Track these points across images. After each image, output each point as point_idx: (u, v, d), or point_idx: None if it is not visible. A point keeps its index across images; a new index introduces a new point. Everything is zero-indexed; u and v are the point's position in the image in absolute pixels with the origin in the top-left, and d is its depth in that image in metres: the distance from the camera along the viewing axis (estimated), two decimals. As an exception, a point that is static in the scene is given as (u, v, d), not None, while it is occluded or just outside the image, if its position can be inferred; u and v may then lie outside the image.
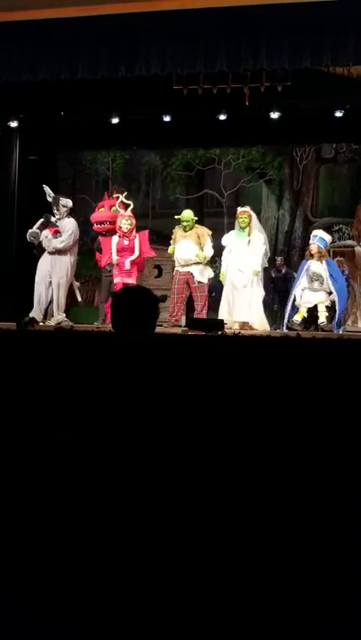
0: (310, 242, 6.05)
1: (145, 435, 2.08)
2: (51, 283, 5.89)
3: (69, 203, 6.12)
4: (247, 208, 6.16)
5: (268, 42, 5.51)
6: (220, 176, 8.39)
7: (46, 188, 6.08)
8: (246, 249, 5.88)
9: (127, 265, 5.94)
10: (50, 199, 6.05)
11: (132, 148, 8.52)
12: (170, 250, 6.05)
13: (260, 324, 5.84)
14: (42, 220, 5.93)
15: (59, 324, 5.53)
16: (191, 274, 5.98)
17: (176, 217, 6.20)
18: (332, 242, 7.72)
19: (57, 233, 5.85)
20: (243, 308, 5.80)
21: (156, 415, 2.13)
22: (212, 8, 5.47)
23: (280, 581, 1.58)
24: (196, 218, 6.21)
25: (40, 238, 5.89)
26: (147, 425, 2.10)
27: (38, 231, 5.88)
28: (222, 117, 7.16)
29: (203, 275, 6.02)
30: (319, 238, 5.99)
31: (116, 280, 6.00)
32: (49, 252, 5.87)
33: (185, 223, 6.03)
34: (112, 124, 7.40)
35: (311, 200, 8.26)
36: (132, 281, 5.86)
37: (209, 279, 6.14)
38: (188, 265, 5.99)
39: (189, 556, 1.63)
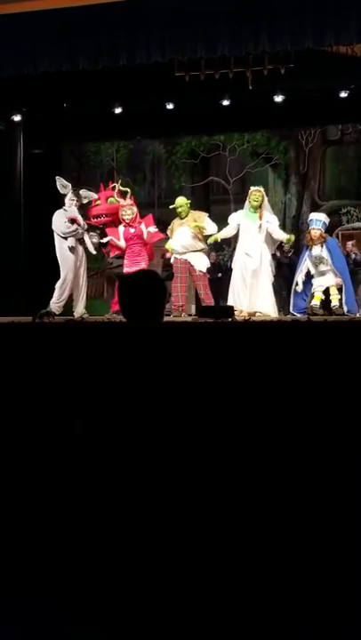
0: (311, 227, 5.94)
1: (156, 425, 2.08)
2: (75, 276, 5.92)
3: (92, 195, 6.12)
4: (260, 188, 6.00)
5: (269, 23, 5.43)
6: (226, 162, 8.32)
7: (60, 180, 6.05)
8: (257, 234, 5.73)
9: (146, 235, 5.88)
10: (64, 191, 6.01)
11: (135, 138, 8.47)
12: (167, 246, 5.98)
13: (271, 310, 5.78)
14: (73, 215, 5.87)
15: (82, 316, 5.62)
16: (190, 263, 5.89)
17: (171, 207, 6.13)
18: (340, 224, 7.67)
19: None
20: (256, 296, 5.68)
21: (168, 405, 2.13)
22: (210, -8, 5.41)
23: (280, 578, 1.58)
24: (189, 202, 6.10)
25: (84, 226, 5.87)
26: (158, 415, 2.11)
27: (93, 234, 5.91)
28: (226, 103, 7.09)
29: (202, 263, 5.91)
30: (322, 223, 5.92)
31: (125, 270, 5.98)
32: (84, 249, 5.90)
33: (180, 209, 5.93)
34: (115, 114, 7.36)
35: (318, 183, 8.18)
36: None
37: (208, 269, 6.04)
38: (185, 252, 5.91)
39: (193, 554, 1.64)
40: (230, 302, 5.73)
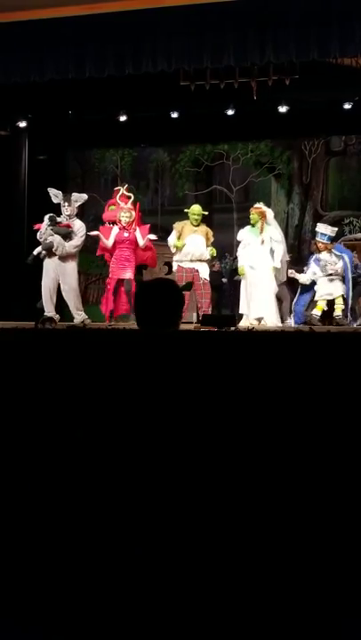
0: (316, 238, 6.12)
1: (160, 432, 2.08)
2: (59, 286, 5.87)
3: (83, 197, 6.09)
4: (260, 204, 6.10)
5: (274, 34, 5.48)
6: (229, 171, 8.36)
7: (52, 190, 6.04)
8: (259, 247, 5.87)
9: (142, 242, 5.83)
10: (57, 200, 6.02)
11: (140, 146, 8.51)
12: (179, 243, 5.92)
13: (275, 319, 5.86)
14: (47, 223, 5.82)
15: (82, 322, 5.59)
16: (197, 271, 5.94)
17: (185, 210, 6.16)
18: (343, 235, 7.69)
19: (69, 227, 5.83)
20: (258, 307, 5.79)
21: (172, 412, 2.13)
22: (217, 2, 5.45)
23: (280, 579, 1.58)
24: (205, 213, 6.19)
25: (52, 245, 5.78)
26: (161, 422, 2.10)
27: (53, 239, 5.81)
28: (230, 112, 7.14)
29: (206, 272, 5.98)
30: (320, 234, 6.00)
31: (110, 276, 5.90)
32: (59, 257, 5.80)
33: (196, 216, 5.99)
34: (120, 121, 7.41)
35: (321, 193, 8.21)
36: (128, 276, 5.79)
37: (216, 271, 6.20)
38: (194, 261, 5.95)
39: (191, 555, 1.63)
40: (242, 311, 5.90)
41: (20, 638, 1.48)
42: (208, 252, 5.96)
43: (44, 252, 5.83)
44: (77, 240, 5.83)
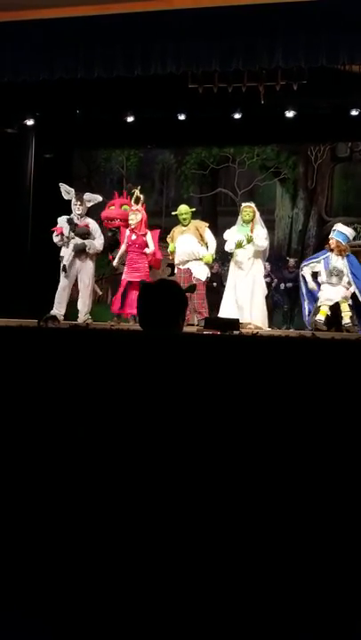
0: (330, 235, 5.96)
1: (162, 433, 2.08)
2: (76, 284, 5.91)
3: (97, 198, 6.11)
4: (251, 203, 6.11)
5: (284, 40, 5.49)
6: (235, 175, 8.38)
7: (63, 186, 6.07)
8: (249, 247, 5.81)
9: (150, 247, 5.87)
10: (68, 197, 6.04)
11: (146, 147, 8.53)
12: (170, 248, 5.94)
13: (261, 322, 5.78)
14: (68, 227, 5.85)
15: (85, 321, 5.62)
16: (190, 271, 5.89)
17: (173, 213, 6.14)
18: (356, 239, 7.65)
19: (86, 227, 5.89)
20: (249, 308, 5.73)
21: (173, 413, 2.13)
22: (227, 6, 5.47)
23: (280, 580, 1.58)
24: (193, 209, 6.14)
25: (85, 245, 5.83)
26: (163, 423, 2.10)
27: (75, 241, 5.82)
28: (237, 116, 7.15)
29: (201, 272, 5.88)
30: (337, 232, 5.87)
31: (123, 277, 5.96)
32: (86, 254, 5.87)
33: (184, 216, 5.92)
34: (127, 122, 7.43)
35: (326, 199, 8.22)
36: (140, 278, 5.83)
37: (207, 278, 6.01)
38: (187, 261, 5.91)
39: (190, 555, 1.63)
40: (221, 314, 5.77)
41: (22, 636, 1.48)
42: (201, 249, 5.83)
43: (73, 253, 5.83)
44: (99, 238, 5.94)
